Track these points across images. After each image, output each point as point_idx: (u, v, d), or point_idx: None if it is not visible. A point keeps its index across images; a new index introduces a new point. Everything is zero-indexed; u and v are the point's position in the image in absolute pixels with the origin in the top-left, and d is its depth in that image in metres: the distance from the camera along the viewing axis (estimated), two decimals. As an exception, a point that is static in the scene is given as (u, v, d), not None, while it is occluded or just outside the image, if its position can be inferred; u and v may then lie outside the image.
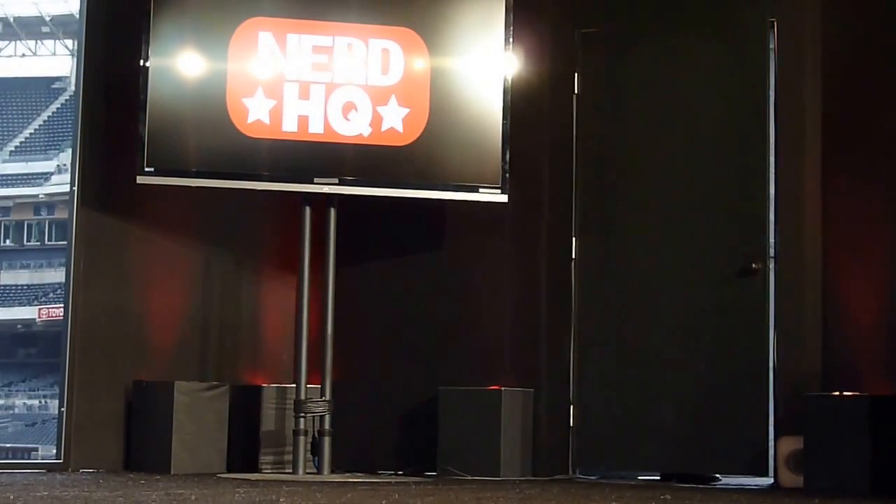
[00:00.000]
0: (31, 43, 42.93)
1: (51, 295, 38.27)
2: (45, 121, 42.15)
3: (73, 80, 34.32)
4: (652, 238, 7.01)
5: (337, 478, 6.51)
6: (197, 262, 7.29)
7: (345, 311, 6.92)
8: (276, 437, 7.02)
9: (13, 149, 41.85)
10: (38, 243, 40.96)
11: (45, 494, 4.73)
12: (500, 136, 6.81)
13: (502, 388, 6.86)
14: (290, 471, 6.72)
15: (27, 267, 40.71)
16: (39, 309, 38.87)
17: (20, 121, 42.34)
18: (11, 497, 4.54)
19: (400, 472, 7.07)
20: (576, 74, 7.20)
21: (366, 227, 7.35)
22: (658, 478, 6.90)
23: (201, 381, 6.92)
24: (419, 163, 6.82)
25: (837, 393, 6.30)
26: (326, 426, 6.70)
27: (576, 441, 6.99)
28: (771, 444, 6.57)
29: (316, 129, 6.72)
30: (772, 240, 6.75)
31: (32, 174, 40.86)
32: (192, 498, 4.70)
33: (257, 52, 6.69)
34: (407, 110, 6.78)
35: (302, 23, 6.76)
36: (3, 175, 41.17)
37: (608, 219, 7.13)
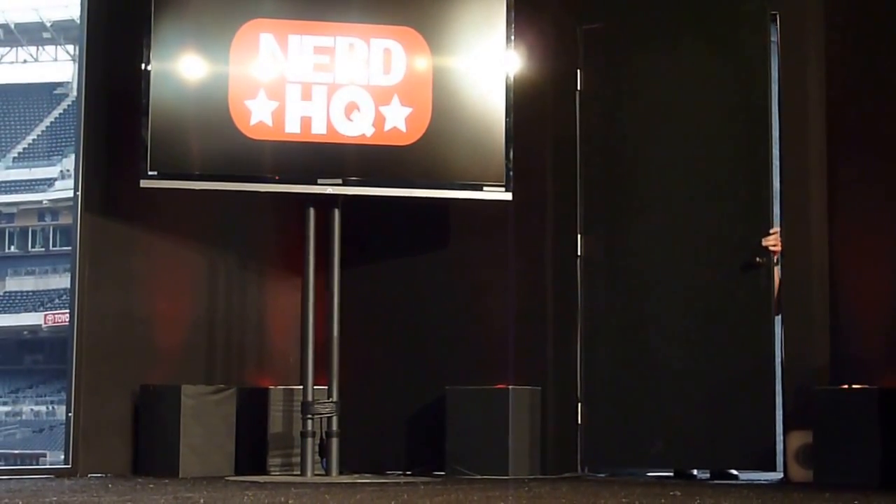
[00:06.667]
0: (33, 49, 43.03)
1: (56, 301, 38.37)
2: (47, 126, 42.22)
3: (74, 85, 34.38)
4: (657, 234, 6.99)
5: (345, 479, 6.50)
6: (202, 265, 7.28)
7: (350, 312, 6.91)
8: (283, 439, 7.01)
9: (16, 155, 41.94)
10: (43, 249, 41.04)
11: (54, 500, 4.72)
12: (503, 134, 6.80)
13: (509, 387, 6.84)
14: (299, 473, 6.73)
15: (32, 273, 40.80)
16: (45, 315, 38.96)
17: (23, 127, 42.43)
18: (20, 503, 4.54)
19: (408, 473, 7.06)
20: (578, 71, 7.19)
21: (370, 227, 7.34)
22: (671, 474, 6.89)
23: (208, 385, 6.91)
24: (423, 162, 6.80)
25: (846, 386, 6.27)
26: (334, 427, 6.69)
27: (584, 438, 6.97)
28: (780, 438, 6.55)
29: (319, 130, 6.71)
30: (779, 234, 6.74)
31: (36, 180, 40.94)
32: (201, 501, 4.69)
33: (259, 53, 6.68)
34: (409, 110, 6.77)
35: (303, 24, 6.75)
36: (6, 181, 41.27)
37: (613, 215, 7.11)
